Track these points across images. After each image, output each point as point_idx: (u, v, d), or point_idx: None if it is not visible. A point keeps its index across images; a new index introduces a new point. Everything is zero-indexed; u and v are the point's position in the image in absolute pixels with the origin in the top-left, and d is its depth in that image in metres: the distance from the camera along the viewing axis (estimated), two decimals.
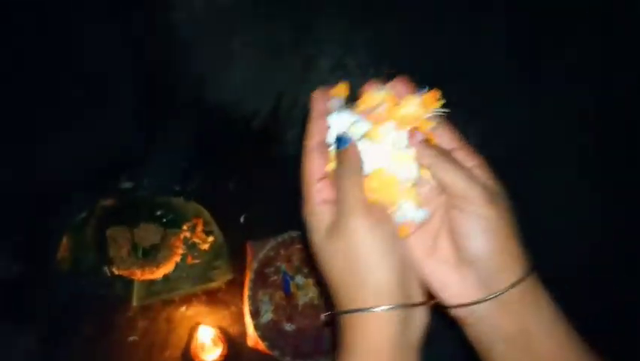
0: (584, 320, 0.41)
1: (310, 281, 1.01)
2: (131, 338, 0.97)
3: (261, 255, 0.96)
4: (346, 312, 0.39)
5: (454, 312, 0.41)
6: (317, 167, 0.43)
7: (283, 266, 1.01)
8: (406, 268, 0.40)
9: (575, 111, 1.05)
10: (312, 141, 0.44)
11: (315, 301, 1.01)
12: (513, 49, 1.10)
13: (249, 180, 1.01)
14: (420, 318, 0.39)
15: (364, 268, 0.38)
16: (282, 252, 1.00)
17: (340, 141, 0.42)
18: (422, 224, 0.42)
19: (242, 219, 1.01)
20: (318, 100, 0.45)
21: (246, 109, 1.02)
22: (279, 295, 1.00)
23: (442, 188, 0.40)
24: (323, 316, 0.47)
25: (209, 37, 0.99)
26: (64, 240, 0.92)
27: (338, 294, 0.41)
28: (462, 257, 0.39)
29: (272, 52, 1.02)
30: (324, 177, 0.43)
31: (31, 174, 0.94)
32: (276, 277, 1.00)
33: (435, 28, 1.08)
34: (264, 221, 1.02)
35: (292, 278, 1.01)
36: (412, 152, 0.42)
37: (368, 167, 0.42)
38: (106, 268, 0.96)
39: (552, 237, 0.91)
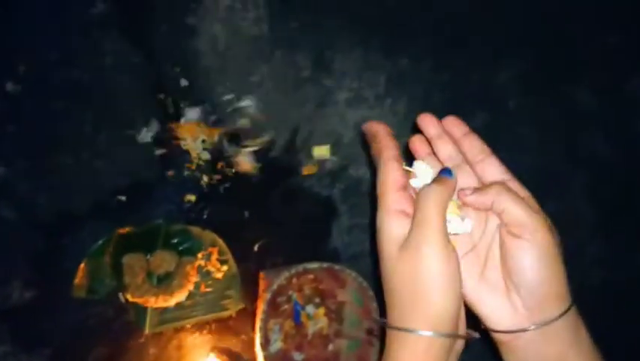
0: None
1: (321, 311, 1.02)
2: None
3: (274, 286, 0.97)
4: (404, 330, 0.40)
5: (498, 336, 0.42)
6: (397, 177, 0.44)
7: (294, 295, 1.02)
8: (461, 300, 0.41)
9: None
10: (390, 152, 0.46)
11: (325, 331, 1.02)
12: (528, 85, 1.13)
13: (264, 209, 1.02)
14: (459, 347, 0.41)
15: (429, 293, 0.39)
16: (294, 281, 1.01)
17: (445, 171, 0.45)
18: (471, 249, 0.45)
19: (255, 248, 1.02)
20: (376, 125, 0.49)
21: (263, 140, 1.03)
22: (288, 324, 1.01)
23: (500, 215, 0.42)
24: (379, 319, 0.48)
25: (230, 67, 1.01)
26: (82, 266, 0.92)
27: (394, 309, 0.42)
28: (513, 283, 0.41)
29: (290, 84, 1.03)
30: (403, 189, 0.44)
31: (49, 201, 0.95)
32: (286, 306, 1.01)
33: (451, 63, 1.10)
34: (277, 250, 1.03)
35: (303, 308, 1.01)
36: None
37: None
38: (120, 295, 0.96)
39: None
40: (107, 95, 0.98)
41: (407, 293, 0.40)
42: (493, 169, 0.46)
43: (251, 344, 1.01)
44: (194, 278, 0.97)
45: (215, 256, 0.98)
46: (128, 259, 0.95)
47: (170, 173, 1.00)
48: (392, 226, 0.42)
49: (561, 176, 1.15)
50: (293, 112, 1.05)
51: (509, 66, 1.14)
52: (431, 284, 0.39)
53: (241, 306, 0.99)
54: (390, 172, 0.44)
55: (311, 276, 1.02)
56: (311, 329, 1.02)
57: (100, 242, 0.94)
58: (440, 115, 1.01)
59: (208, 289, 0.99)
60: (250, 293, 1.01)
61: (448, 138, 0.52)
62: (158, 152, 0.99)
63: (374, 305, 0.97)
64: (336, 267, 0.98)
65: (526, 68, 1.14)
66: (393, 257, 0.41)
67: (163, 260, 0.96)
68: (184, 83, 1.01)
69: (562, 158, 1.15)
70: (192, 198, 1.00)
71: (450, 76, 1.11)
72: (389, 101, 1.08)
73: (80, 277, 0.93)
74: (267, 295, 0.99)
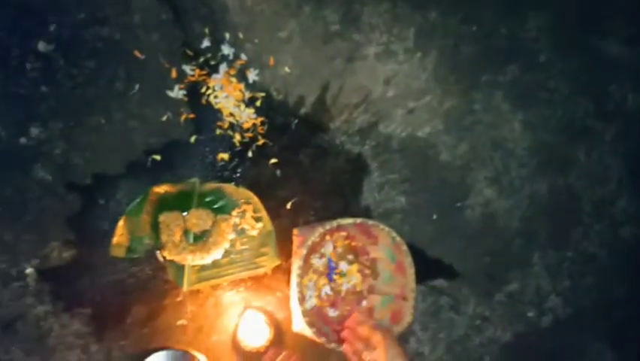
0: None
1: (354, 268, 1.02)
2: (180, 322, 0.98)
3: (309, 242, 0.97)
4: None
5: None
6: None
7: (328, 253, 1.02)
8: None
9: None
10: None
11: (358, 288, 1.02)
12: (558, 38, 1.11)
13: (296, 167, 1.02)
14: None
15: None
16: (328, 238, 1.01)
17: None
18: None
19: (288, 206, 1.02)
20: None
21: (293, 97, 1.02)
22: (322, 281, 1.01)
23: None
24: None
25: (258, 23, 0.99)
26: (120, 225, 0.93)
27: None
28: None
29: (319, 39, 1.02)
30: None
31: (84, 161, 0.95)
32: (320, 264, 1.01)
33: (481, 15, 1.09)
34: (309, 208, 1.03)
35: (336, 265, 1.02)
36: None
37: None
38: (158, 253, 0.96)
39: None
40: (137, 53, 0.97)
41: None
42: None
43: (286, 301, 1.02)
44: (230, 236, 0.97)
45: (249, 214, 0.98)
46: (164, 218, 0.95)
47: (203, 132, 0.99)
48: None
49: (591, 129, 1.14)
50: (322, 68, 1.04)
51: (539, 18, 1.12)
52: None
53: (277, 263, 0.99)
54: None
55: (344, 233, 1.02)
56: (344, 286, 1.02)
57: (136, 201, 0.94)
58: (469, 69, 1.00)
59: (244, 247, 0.99)
60: (284, 251, 1.01)
61: None
62: (190, 110, 0.99)
63: (408, 260, 0.96)
64: (370, 222, 0.98)
65: (556, 21, 1.12)
66: None
67: (199, 218, 0.96)
68: (213, 40, 1.00)
69: (591, 111, 1.14)
70: (225, 156, 1.00)
71: (479, 29, 1.09)
72: (418, 54, 1.07)
73: (118, 236, 0.94)
74: (303, 251, 0.99)
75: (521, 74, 1.11)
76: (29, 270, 0.93)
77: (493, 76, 1.10)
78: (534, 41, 1.12)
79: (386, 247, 0.99)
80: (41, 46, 0.94)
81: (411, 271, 0.92)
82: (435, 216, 1.07)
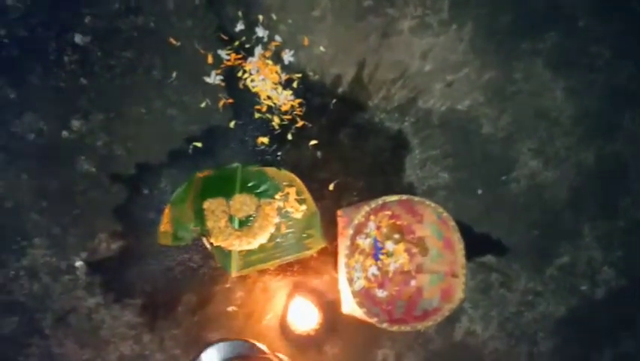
0: None
1: (400, 248, 1.00)
2: (230, 308, 0.97)
3: (355, 221, 0.95)
4: None
5: None
6: None
7: (373, 233, 1.00)
8: None
9: None
10: None
11: (406, 268, 1.00)
12: (597, 2, 1.07)
13: (336, 147, 1.01)
14: None
15: None
16: (372, 218, 0.99)
17: None
18: None
19: (331, 187, 1.00)
20: None
21: (330, 76, 1.00)
22: (369, 261, 1.00)
23: None
24: None
25: (291, 5, 0.98)
26: (166, 213, 0.92)
27: None
28: None
29: (352, 16, 1.00)
30: None
31: (127, 152, 0.95)
32: (366, 245, 0.99)
33: None
34: (352, 188, 1.02)
35: (382, 245, 1.00)
36: None
37: None
38: (205, 240, 0.96)
39: None
40: (172, 40, 0.96)
41: None
42: None
43: (334, 282, 1.01)
44: (275, 219, 0.96)
45: (293, 196, 0.97)
46: (208, 204, 0.94)
47: (241, 116, 0.99)
48: None
49: (635, 93, 1.10)
50: (357, 45, 1.02)
51: None
52: None
53: (323, 245, 0.98)
54: None
55: (388, 212, 1.00)
56: (392, 265, 1.00)
57: (181, 189, 0.94)
58: (508, 38, 0.97)
59: (289, 230, 0.98)
60: (329, 232, 0.99)
61: None
62: (228, 96, 0.98)
63: (456, 236, 0.94)
64: (416, 198, 0.96)
65: None
66: None
67: (243, 203, 0.96)
68: (247, 23, 0.99)
69: (635, 75, 1.10)
70: (265, 140, 0.99)
71: None
72: (454, 26, 1.05)
73: (164, 224, 0.93)
74: (350, 231, 0.97)
75: (561, 41, 1.08)
76: (79, 263, 0.93)
77: (533, 43, 1.07)
78: (572, 6, 1.09)
79: (432, 224, 0.97)
80: (78, 38, 0.94)
81: (460, 246, 0.90)
82: (480, 191, 1.05)
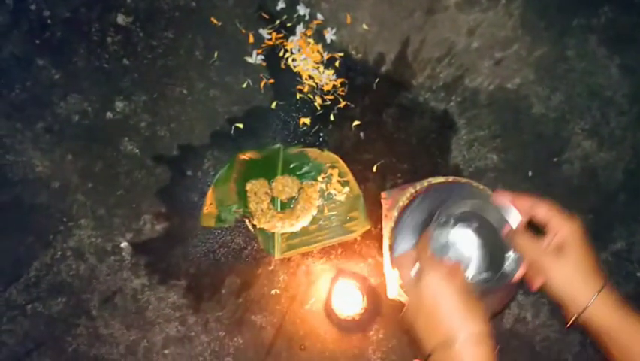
0: None
1: None
2: (274, 291, 0.96)
3: (400, 203, 0.93)
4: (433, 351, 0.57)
5: (579, 320, 0.59)
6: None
7: None
8: (470, 301, 0.57)
9: None
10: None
11: None
12: None
13: (380, 128, 0.98)
14: (492, 349, 0.54)
15: (443, 310, 0.57)
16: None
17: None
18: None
19: (374, 169, 0.98)
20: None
21: (373, 54, 0.97)
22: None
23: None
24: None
25: None
26: (209, 195, 0.91)
27: (430, 334, 0.57)
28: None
29: None
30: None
31: (169, 133, 0.94)
32: None
33: None
34: (396, 170, 0.99)
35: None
36: None
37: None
38: (248, 222, 0.95)
39: None
40: (214, 20, 0.95)
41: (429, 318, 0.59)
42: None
43: (378, 266, 0.98)
44: (317, 202, 0.94)
45: (335, 178, 0.95)
46: (251, 186, 0.93)
47: (283, 97, 0.97)
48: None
49: None
50: (401, 22, 0.99)
51: None
52: (440, 300, 0.59)
53: (367, 227, 0.96)
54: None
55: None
56: None
57: (223, 170, 0.93)
58: (559, 13, 0.92)
59: (332, 213, 0.96)
60: (373, 215, 0.97)
61: None
62: (269, 76, 0.96)
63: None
64: (463, 180, 0.92)
65: None
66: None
67: (285, 185, 0.94)
68: (288, 1, 0.97)
69: None
70: (307, 121, 0.97)
71: None
72: (503, 1, 1.01)
73: (208, 206, 0.93)
74: (392, 215, 0.95)
75: (616, 16, 1.03)
76: (124, 244, 0.94)
77: (586, 19, 1.01)
78: None
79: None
80: (120, 19, 0.94)
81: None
82: (530, 173, 1.01)
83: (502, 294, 0.80)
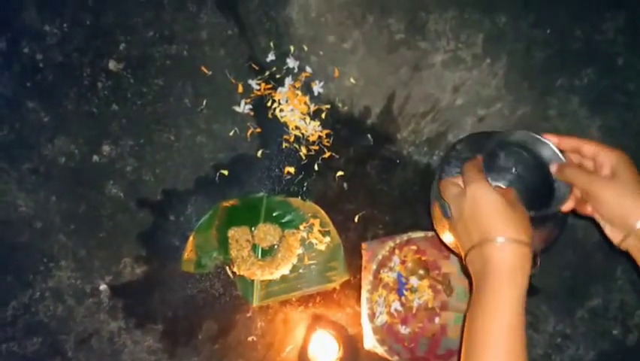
0: None
1: (425, 284, 0.98)
2: (250, 338, 0.97)
3: (379, 256, 0.94)
4: (473, 248, 0.57)
5: (625, 244, 0.59)
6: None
7: (397, 268, 0.98)
8: (517, 213, 0.57)
9: None
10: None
11: (430, 304, 0.98)
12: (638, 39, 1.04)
13: (363, 179, 1.00)
14: (529, 263, 0.54)
15: (484, 212, 0.56)
16: (397, 252, 0.98)
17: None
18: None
19: (356, 219, 0.99)
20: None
21: (359, 107, 1.00)
22: (392, 296, 0.98)
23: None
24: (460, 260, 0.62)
25: (322, 35, 0.98)
26: (190, 240, 0.92)
27: (469, 235, 0.58)
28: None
29: (384, 48, 1.00)
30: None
31: (154, 177, 0.96)
32: (390, 279, 0.98)
33: (553, 18, 1.03)
34: (377, 221, 1.01)
35: (406, 280, 0.98)
36: None
37: None
38: (228, 269, 0.96)
39: None
40: (204, 69, 0.97)
41: (472, 220, 0.59)
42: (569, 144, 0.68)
43: (356, 316, 0.99)
44: (298, 250, 0.95)
45: (317, 228, 0.97)
46: (233, 233, 0.94)
47: (269, 146, 0.99)
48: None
49: None
50: (388, 77, 1.01)
51: (616, 19, 1.05)
52: (484, 206, 0.59)
53: (346, 277, 0.97)
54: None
55: (414, 247, 0.99)
56: (415, 302, 0.99)
57: (206, 216, 0.94)
58: (543, 74, 0.95)
59: (312, 262, 0.97)
60: (353, 265, 0.98)
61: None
62: (256, 125, 0.98)
63: None
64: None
65: (635, 21, 1.05)
66: (456, 200, 0.62)
67: (267, 233, 0.95)
68: (278, 53, 0.99)
69: None
70: (291, 170, 0.99)
71: (552, 32, 1.04)
72: (487, 61, 1.03)
73: (189, 251, 0.93)
74: (371, 267, 0.96)
75: (598, 78, 1.05)
76: (103, 286, 0.94)
77: (569, 80, 1.04)
78: (611, 44, 1.06)
79: (459, 261, 0.95)
80: (112, 65, 0.95)
81: None
82: None
83: (551, 227, 0.76)
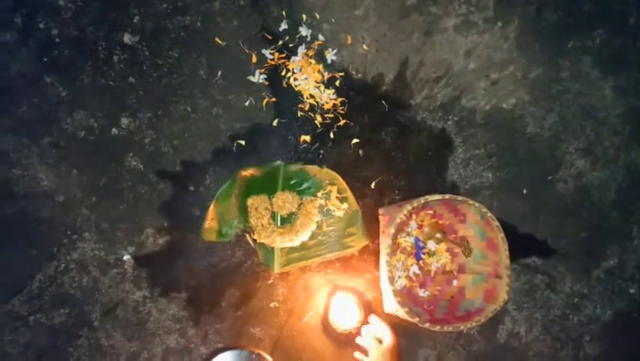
0: None
1: (442, 247, 0.99)
2: (272, 304, 0.98)
3: (397, 220, 0.95)
4: None
5: None
6: None
7: (415, 232, 0.99)
8: None
9: None
10: None
11: (448, 268, 0.99)
12: None
13: (378, 146, 1.00)
14: None
15: None
16: (414, 217, 0.98)
17: None
18: None
19: (372, 185, 1.00)
20: None
21: (372, 74, 1.00)
22: (410, 261, 0.99)
23: None
24: None
25: (334, 4, 0.98)
26: (211, 210, 0.93)
27: None
28: None
29: (395, 14, 1.00)
30: None
31: (173, 149, 0.96)
32: (408, 243, 0.99)
33: None
34: (393, 187, 1.01)
35: (424, 244, 0.99)
36: None
37: None
38: (248, 236, 0.97)
39: None
40: (218, 40, 0.98)
41: None
42: None
43: (375, 281, 1.00)
44: (316, 217, 0.96)
45: (334, 195, 0.97)
46: (252, 201, 0.95)
47: (284, 115, 0.99)
48: None
49: None
50: (400, 43, 1.01)
51: None
52: None
53: (365, 243, 0.98)
54: None
55: (430, 212, 1.00)
56: (433, 265, 1.00)
57: (225, 186, 0.95)
58: (554, 36, 0.95)
59: (330, 228, 0.98)
60: (371, 231, 0.99)
61: None
62: (271, 94, 0.99)
63: (500, 236, 0.92)
64: (458, 198, 0.95)
65: None
66: None
67: (285, 201, 0.96)
68: (291, 22, 0.99)
69: None
70: (307, 138, 0.99)
71: None
72: (499, 24, 1.03)
73: (209, 220, 0.94)
74: (389, 231, 0.97)
75: (610, 39, 1.05)
76: (126, 257, 0.95)
77: (581, 41, 1.04)
78: (622, 3, 1.05)
79: (475, 224, 0.95)
80: (127, 38, 0.96)
81: (504, 247, 0.88)
82: (525, 191, 1.03)
83: None
